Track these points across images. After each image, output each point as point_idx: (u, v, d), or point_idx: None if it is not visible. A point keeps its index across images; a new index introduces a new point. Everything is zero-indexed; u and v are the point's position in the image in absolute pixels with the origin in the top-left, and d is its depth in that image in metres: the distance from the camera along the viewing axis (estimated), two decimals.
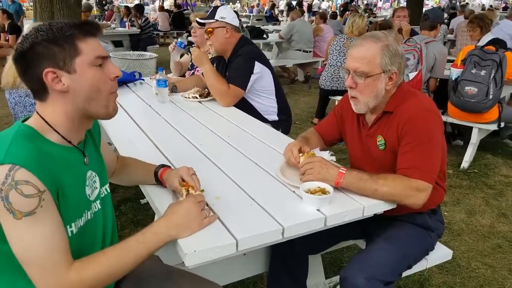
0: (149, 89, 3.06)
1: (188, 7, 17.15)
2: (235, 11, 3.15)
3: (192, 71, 3.57)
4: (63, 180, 1.03)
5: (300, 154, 1.60)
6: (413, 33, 4.45)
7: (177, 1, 17.76)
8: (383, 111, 1.61)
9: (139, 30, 9.01)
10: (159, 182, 1.46)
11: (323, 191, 1.41)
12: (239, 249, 1.20)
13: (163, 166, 1.48)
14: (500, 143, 4.38)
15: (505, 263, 2.48)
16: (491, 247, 2.63)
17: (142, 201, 3.02)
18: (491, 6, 26.56)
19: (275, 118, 2.78)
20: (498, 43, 3.56)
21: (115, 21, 10.69)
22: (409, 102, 1.56)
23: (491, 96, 3.34)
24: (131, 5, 11.89)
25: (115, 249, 1.08)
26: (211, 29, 2.64)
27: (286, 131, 2.75)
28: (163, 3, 18.21)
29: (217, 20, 2.63)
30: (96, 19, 11.29)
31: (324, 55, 7.21)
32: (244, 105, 2.66)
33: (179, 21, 12.51)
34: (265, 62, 2.68)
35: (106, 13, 12.89)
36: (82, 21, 1.08)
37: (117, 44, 8.70)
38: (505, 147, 4.35)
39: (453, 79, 3.53)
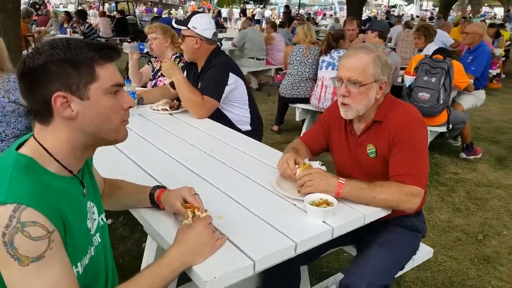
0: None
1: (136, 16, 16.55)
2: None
3: (154, 81, 3.43)
4: (67, 215, 0.91)
5: (296, 166, 1.57)
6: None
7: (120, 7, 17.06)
8: (372, 120, 1.63)
9: (82, 37, 8.49)
10: (155, 204, 1.35)
11: (327, 203, 1.39)
12: (256, 270, 1.14)
13: (158, 187, 1.37)
14: (445, 143, 4.66)
15: (466, 254, 2.61)
16: (452, 240, 2.77)
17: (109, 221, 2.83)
18: (417, 16, 28.43)
19: (248, 128, 2.73)
20: (444, 52, 3.79)
21: (51, 27, 9.81)
22: (398, 111, 1.60)
23: (441, 101, 3.53)
24: (68, 10, 11.11)
25: (131, 286, 0.97)
26: (183, 35, 2.55)
27: (258, 141, 2.72)
28: (103, 8, 17.44)
29: (188, 28, 2.54)
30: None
31: (276, 63, 7.34)
32: (218, 115, 2.58)
33: (122, 27, 11.92)
34: (239, 73, 2.62)
35: (38, 18, 11.63)
36: (102, 44, 0.96)
37: None
38: (450, 146, 4.63)
39: (407, 85, 3.70)
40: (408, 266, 1.77)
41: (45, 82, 0.90)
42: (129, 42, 3.53)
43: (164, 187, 1.37)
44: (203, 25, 2.57)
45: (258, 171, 1.73)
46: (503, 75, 8.39)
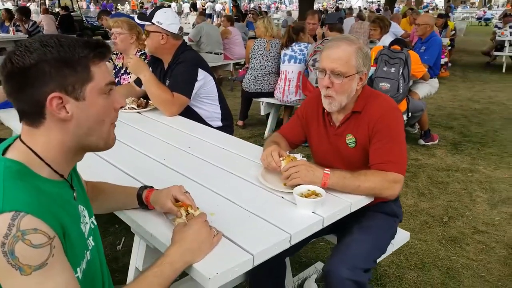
0: None
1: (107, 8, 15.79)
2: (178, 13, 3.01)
3: (117, 79, 3.33)
4: (64, 220, 0.88)
5: (281, 159, 1.60)
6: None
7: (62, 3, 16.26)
8: (352, 111, 1.69)
9: (27, 35, 8.02)
10: (143, 205, 1.33)
11: (315, 194, 1.42)
12: (255, 263, 1.16)
13: (146, 187, 1.35)
14: (404, 130, 4.88)
15: (434, 236, 2.78)
16: (420, 224, 2.93)
17: None
18: (365, 8, 29.42)
19: (219, 124, 2.73)
20: (401, 43, 3.97)
21: None
22: (376, 102, 1.66)
23: (401, 91, 3.71)
24: (7, 6, 10.46)
25: None
26: (147, 31, 2.49)
27: None
28: (45, 5, 16.54)
29: (153, 24, 2.48)
30: None
31: (234, 57, 7.33)
32: (188, 112, 2.55)
33: (67, 24, 11.38)
34: (207, 69, 2.60)
35: None
36: (96, 42, 0.92)
37: (0, 52, 7.62)
38: (408, 134, 4.86)
39: (368, 76, 3.84)
40: (389, 251, 1.85)
41: (38, 83, 0.86)
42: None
43: (152, 187, 1.35)
44: (168, 19, 2.52)
45: (240, 166, 1.74)
46: (449, 64, 8.94)
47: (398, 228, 1.96)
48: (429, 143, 4.49)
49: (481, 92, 7.11)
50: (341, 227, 1.82)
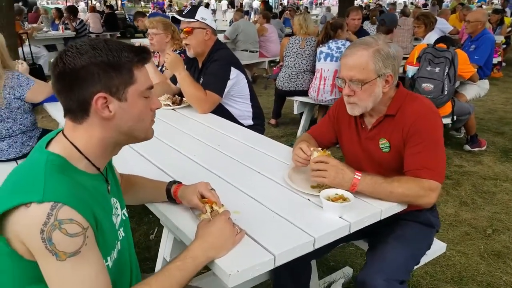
0: None
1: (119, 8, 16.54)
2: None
3: None
4: (98, 212, 0.97)
5: (312, 149, 1.62)
6: (364, 34, 4.69)
7: (108, 2, 17.07)
8: (385, 114, 1.68)
9: (75, 33, 8.68)
10: (171, 199, 1.41)
11: (343, 198, 1.44)
12: (276, 264, 1.20)
13: (174, 182, 1.44)
14: (448, 135, 4.76)
15: (475, 249, 2.70)
16: (460, 235, 2.86)
17: None
18: (411, 2, 28.58)
19: (250, 122, 2.79)
20: (447, 40, 3.87)
21: (42, 23, 10.04)
22: (412, 105, 1.64)
23: (446, 92, 3.62)
24: (58, 6, 11.21)
25: (158, 280, 1.04)
26: (189, 29, 2.57)
27: None
28: (92, 3, 17.45)
29: (197, 20, 2.57)
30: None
31: (270, 55, 7.39)
32: (220, 111, 2.63)
33: (111, 22, 12.17)
34: (240, 67, 2.68)
35: (28, 15, 11.92)
36: (139, 47, 1.04)
37: (50, 48, 8.23)
38: (453, 138, 4.74)
39: (410, 76, 3.78)
40: (422, 261, 1.83)
41: (86, 83, 0.96)
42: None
43: (180, 183, 1.44)
44: (210, 16, 2.66)
45: (268, 166, 1.79)
46: (503, 64, 8.56)
47: (434, 238, 1.93)
48: (476, 149, 4.34)
49: None
50: (373, 233, 1.82)
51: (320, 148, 1.64)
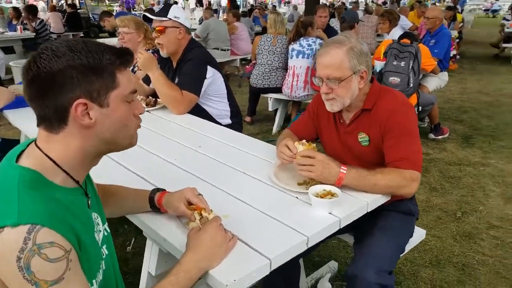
0: None
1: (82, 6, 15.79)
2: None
3: None
4: (79, 231, 0.84)
5: (296, 143, 1.55)
6: (331, 30, 4.66)
7: (69, 0, 16.26)
8: (361, 109, 1.64)
9: (34, 33, 7.97)
10: (155, 208, 1.28)
11: (331, 194, 1.37)
12: (272, 268, 1.12)
13: (158, 190, 1.30)
14: None
15: (448, 232, 2.71)
16: (433, 219, 2.87)
17: None
18: (372, 1, 29.02)
19: (229, 121, 2.68)
20: (410, 36, 3.88)
21: None
22: (386, 98, 1.62)
23: (411, 85, 3.63)
24: (16, 5, 10.39)
25: None
26: (162, 28, 2.42)
27: None
28: (52, 2, 16.56)
29: (170, 19, 2.43)
30: None
31: (241, 53, 7.27)
32: (197, 111, 2.51)
33: (74, 22, 11.39)
34: (216, 66, 2.56)
35: None
36: (121, 49, 0.91)
37: (7, 50, 7.60)
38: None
39: (378, 71, 3.77)
40: (406, 249, 1.80)
41: (64, 88, 0.83)
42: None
43: (164, 190, 1.31)
44: (183, 14, 2.50)
45: (252, 165, 1.70)
46: (457, 56, 8.79)
47: (415, 226, 1.90)
48: (440, 137, 4.41)
49: (490, 85, 6.98)
50: (357, 227, 1.77)
51: (304, 141, 1.57)
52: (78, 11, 13.05)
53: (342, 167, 1.46)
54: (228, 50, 7.03)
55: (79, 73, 0.84)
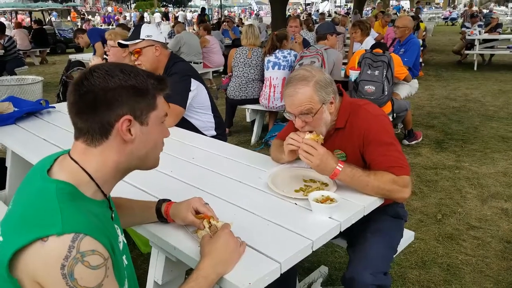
0: (64, 116, 2.72)
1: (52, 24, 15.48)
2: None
3: None
4: (111, 241, 0.89)
5: (307, 132, 1.62)
6: (304, 41, 4.82)
7: (34, 17, 15.90)
8: (334, 128, 1.72)
9: (3, 51, 7.93)
10: (162, 219, 1.32)
11: (330, 199, 1.45)
12: (282, 271, 1.17)
13: (164, 201, 1.35)
14: None
15: (431, 234, 2.85)
16: (415, 222, 3.00)
17: None
18: (335, 12, 29.97)
19: (213, 133, 2.74)
20: (382, 46, 4.08)
21: None
22: (359, 114, 1.68)
23: (386, 93, 3.81)
24: None
25: None
26: (138, 49, 2.47)
27: None
28: (17, 19, 16.17)
29: (143, 40, 2.47)
30: None
31: (213, 65, 7.35)
32: (183, 124, 2.55)
33: (40, 38, 11.35)
34: (199, 78, 2.62)
35: None
36: (161, 77, 1.02)
37: None
38: None
39: (353, 80, 3.93)
40: (398, 250, 1.89)
41: (114, 105, 0.92)
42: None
43: (169, 200, 1.35)
44: (155, 31, 2.55)
45: (247, 175, 1.75)
46: (422, 64, 9.22)
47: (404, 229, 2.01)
48: (413, 142, 4.61)
49: (457, 90, 7.37)
50: (349, 231, 1.85)
51: (314, 132, 1.63)
52: (44, 27, 12.83)
53: (339, 164, 1.53)
54: (200, 63, 7.09)
55: (128, 92, 0.94)
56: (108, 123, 0.92)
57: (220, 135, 2.77)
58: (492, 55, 10.24)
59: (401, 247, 1.94)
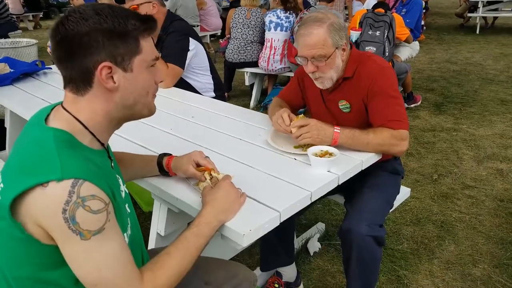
0: (60, 76, 2.71)
1: None
2: None
3: None
4: (111, 186, 0.91)
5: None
6: (305, 2, 4.72)
7: None
8: (342, 77, 1.73)
9: None
10: (164, 172, 1.36)
11: (329, 153, 1.48)
12: (282, 220, 1.22)
13: (165, 154, 1.38)
14: None
15: (426, 193, 2.92)
16: (411, 182, 3.06)
17: None
18: None
19: (212, 94, 2.74)
20: (384, 5, 4.01)
21: None
22: (366, 65, 1.70)
23: (387, 54, 3.78)
24: None
25: (178, 249, 1.01)
26: (135, 6, 2.43)
27: None
28: None
29: None
30: None
31: (210, 28, 7.23)
32: (182, 85, 2.55)
33: (33, 2, 11.06)
34: (197, 38, 2.59)
35: None
36: (146, 16, 0.95)
37: None
38: None
39: (354, 40, 3.89)
40: (394, 205, 1.95)
41: (90, 51, 0.88)
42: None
43: (170, 154, 1.38)
44: None
45: (247, 132, 1.78)
46: (424, 27, 9.07)
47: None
48: (412, 105, 4.62)
49: (458, 54, 7.30)
50: (347, 187, 1.89)
51: (294, 117, 1.65)
52: None
53: (335, 127, 1.56)
54: (197, 25, 6.95)
55: (105, 36, 0.88)
56: (88, 70, 0.89)
57: (219, 97, 2.77)
58: (495, 18, 10.06)
59: (397, 202, 2.00)
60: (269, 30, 4.31)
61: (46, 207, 0.80)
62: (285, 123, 1.63)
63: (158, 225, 1.47)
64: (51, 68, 2.86)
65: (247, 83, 4.80)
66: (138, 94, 0.97)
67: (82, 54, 0.88)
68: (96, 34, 0.87)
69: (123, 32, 0.90)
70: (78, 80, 0.91)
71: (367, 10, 4.00)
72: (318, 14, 1.66)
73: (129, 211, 1.07)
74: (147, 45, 0.95)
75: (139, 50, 0.93)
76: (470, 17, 9.65)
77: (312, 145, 1.56)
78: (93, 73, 0.90)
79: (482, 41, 8.37)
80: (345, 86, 1.74)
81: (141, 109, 1.00)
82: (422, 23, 8.01)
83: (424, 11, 9.20)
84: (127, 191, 1.12)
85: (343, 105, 1.77)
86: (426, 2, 9.83)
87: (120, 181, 1.07)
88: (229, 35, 4.69)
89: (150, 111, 1.04)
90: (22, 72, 2.66)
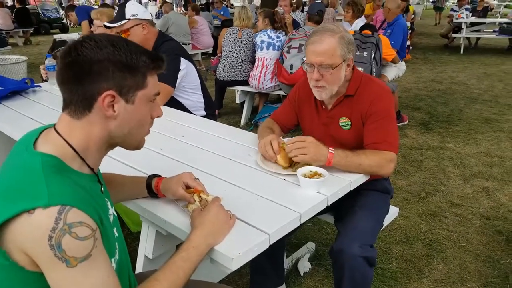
0: (50, 95, 2.70)
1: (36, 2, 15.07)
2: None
3: None
4: (100, 213, 0.90)
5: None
6: (295, 23, 4.80)
7: None
8: (344, 95, 1.75)
9: None
10: (153, 194, 1.34)
11: (318, 174, 1.48)
12: (271, 242, 1.21)
13: (154, 176, 1.36)
14: None
15: (414, 211, 2.93)
16: (400, 200, 3.08)
17: None
18: None
19: (203, 113, 2.74)
20: (371, 27, 4.09)
21: None
22: (369, 85, 1.74)
23: (374, 74, 3.83)
24: None
25: (166, 274, 0.99)
26: (126, 30, 2.44)
27: None
28: None
29: (129, 19, 2.44)
30: None
31: (202, 46, 7.29)
32: (172, 103, 2.55)
33: (23, 18, 11.05)
34: (189, 58, 2.61)
35: None
36: (156, 55, 0.99)
37: None
38: None
39: None
40: (384, 224, 1.95)
41: (98, 78, 0.89)
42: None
43: (160, 176, 1.36)
44: (140, 9, 2.52)
45: (236, 152, 1.78)
46: (410, 47, 9.26)
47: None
48: (400, 124, 4.67)
49: (443, 73, 7.45)
50: (337, 207, 1.89)
51: (282, 143, 1.64)
52: (27, 6, 12.51)
53: (329, 148, 1.56)
54: (189, 44, 7.01)
55: (116, 67, 0.90)
56: (91, 96, 0.90)
57: (210, 115, 2.78)
58: (478, 38, 10.33)
59: (386, 222, 2.00)
60: (261, 49, 4.36)
61: (32, 234, 0.78)
62: (272, 149, 1.63)
63: (146, 248, 1.44)
64: (40, 86, 2.84)
65: (237, 100, 4.82)
66: (134, 126, 0.99)
67: (89, 79, 0.89)
68: (108, 63, 0.90)
69: (134, 66, 0.93)
70: (78, 104, 0.91)
71: (355, 31, 4.07)
72: (331, 26, 1.69)
73: (117, 234, 1.05)
74: (153, 81, 0.99)
75: (144, 85, 0.96)
76: (455, 37, 9.90)
77: (303, 165, 1.56)
78: (96, 99, 0.91)
79: (466, 61, 8.57)
80: (345, 104, 1.76)
81: (132, 141, 1.02)
82: (408, 43, 8.20)
83: (410, 31, 9.45)
84: (115, 214, 1.10)
85: (343, 122, 1.78)
86: (411, 23, 10.07)
87: (109, 204, 1.06)
88: (220, 54, 4.73)
89: (139, 145, 1.06)
90: (10, 90, 2.64)
